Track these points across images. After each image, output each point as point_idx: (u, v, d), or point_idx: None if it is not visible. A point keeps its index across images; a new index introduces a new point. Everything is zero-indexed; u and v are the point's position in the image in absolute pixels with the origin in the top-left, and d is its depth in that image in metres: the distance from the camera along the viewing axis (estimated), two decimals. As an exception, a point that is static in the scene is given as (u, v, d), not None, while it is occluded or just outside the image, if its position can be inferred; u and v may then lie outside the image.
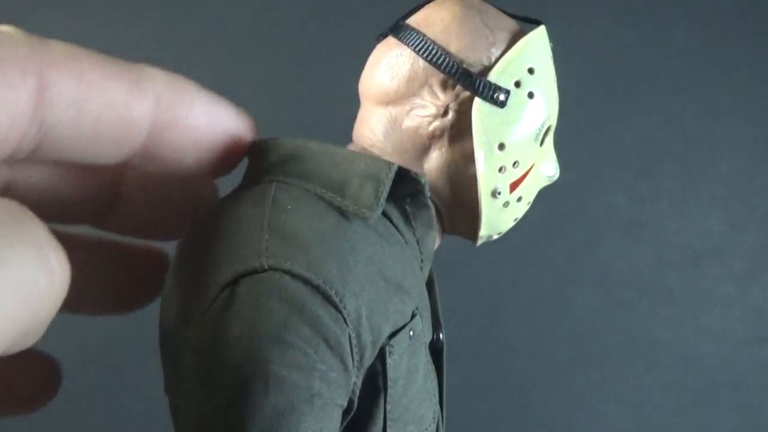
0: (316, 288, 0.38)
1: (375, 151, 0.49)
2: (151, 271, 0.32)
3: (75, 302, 0.26)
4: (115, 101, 0.23)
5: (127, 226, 0.31)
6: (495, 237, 0.54)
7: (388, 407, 0.43)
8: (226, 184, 0.48)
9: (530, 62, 0.49)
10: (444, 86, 0.48)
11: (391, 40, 0.50)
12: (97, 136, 0.23)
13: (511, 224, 0.54)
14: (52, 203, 0.28)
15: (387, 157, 0.49)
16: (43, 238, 0.19)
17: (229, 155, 0.30)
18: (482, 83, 0.47)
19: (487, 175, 0.49)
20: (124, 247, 0.31)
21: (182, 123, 0.26)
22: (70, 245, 0.21)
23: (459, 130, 0.48)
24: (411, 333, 0.44)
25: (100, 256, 0.30)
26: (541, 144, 0.51)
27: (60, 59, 0.21)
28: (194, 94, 0.27)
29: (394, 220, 0.46)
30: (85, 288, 0.27)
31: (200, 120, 0.27)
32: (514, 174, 0.50)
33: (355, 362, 0.40)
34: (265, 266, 0.38)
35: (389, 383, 0.43)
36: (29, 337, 0.19)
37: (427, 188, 0.46)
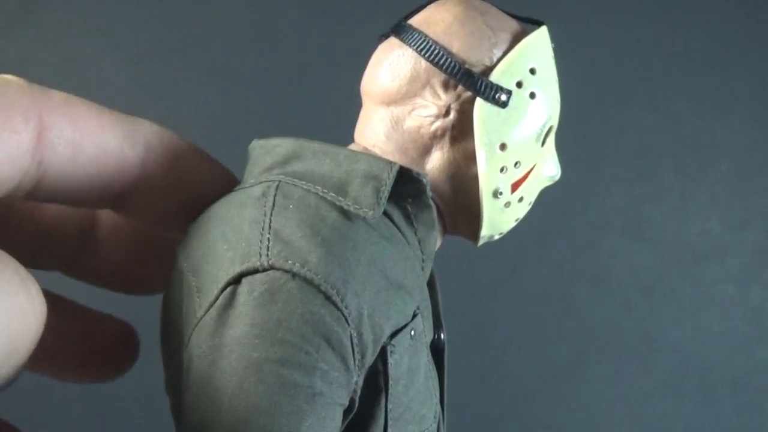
0: (317, 287, 0.38)
1: (377, 151, 0.50)
2: (116, 346, 0.32)
3: (41, 361, 0.27)
4: (109, 146, 0.25)
5: (97, 275, 0.32)
6: (496, 237, 0.54)
7: (390, 406, 0.43)
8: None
9: (532, 62, 0.49)
10: (446, 86, 0.48)
11: (393, 41, 0.50)
12: (91, 178, 0.25)
13: (513, 224, 0.54)
14: (23, 244, 0.28)
15: (389, 157, 0.49)
16: (22, 271, 0.20)
17: (205, 204, 0.31)
18: (484, 83, 0.47)
19: (488, 176, 0.49)
20: (91, 315, 0.31)
21: (170, 175, 0.28)
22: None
23: (461, 131, 0.48)
24: (412, 332, 0.44)
25: (66, 318, 0.30)
26: (543, 144, 0.51)
27: (59, 106, 0.23)
28: (184, 149, 0.28)
29: (396, 220, 0.47)
30: (51, 347, 0.28)
31: (191, 175, 0.29)
32: (516, 174, 0.50)
33: (357, 362, 0.40)
34: (267, 266, 0.39)
35: (390, 383, 0.43)
36: (9, 367, 0.20)
37: (428, 188, 0.46)
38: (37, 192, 0.23)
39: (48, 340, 0.23)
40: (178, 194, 0.28)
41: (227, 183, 0.31)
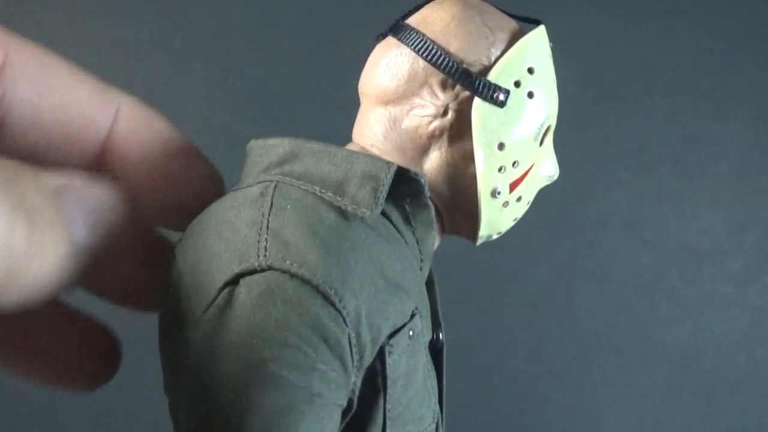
0: (315, 288, 0.38)
1: (374, 150, 0.49)
2: (99, 355, 0.31)
3: (18, 361, 0.26)
4: (78, 98, 0.23)
5: (100, 286, 0.31)
6: (495, 237, 0.54)
7: (388, 407, 0.43)
8: (225, 184, 0.48)
9: (530, 62, 0.49)
10: (444, 86, 0.48)
11: (390, 40, 0.50)
12: (56, 129, 0.23)
13: (511, 224, 0.54)
14: None
15: (387, 157, 0.49)
16: (10, 199, 0.18)
17: (178, 182, 0.30)
18: (482, 83, 0.47)
19: (486, 175, 0.49)
20: (75, 316, 0.30)
21: (140, 139, 0.27)
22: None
23: (459, 130, 0.48)
24: (410, 333, 0.44)
25: (50, 318, 0.29)
26: (541, 144, 0.51)
27: (27, 46, 0.22)
28: (156, 117, 0.27)
29: (394, 220, 0.46)
30: (28, 345, 0.26)
31: (157, 141, 0.28)
32: (514, 174, 0.50)
33: (355, 362, 0.40)
34: (265, 266, 0.38)
35: (389, 383, 0.43)
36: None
37: (426, 188, 0.46)
38: None
39: (26, 337, 0.22)
40: (147, 165, 0.27)
41: (198, 164, 0.30)
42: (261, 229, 0.40)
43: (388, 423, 0.44)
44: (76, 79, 0.23)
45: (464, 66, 0.47)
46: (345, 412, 0.42)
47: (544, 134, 0.51)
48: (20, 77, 0.21)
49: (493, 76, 0.47)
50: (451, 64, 0.47)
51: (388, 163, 0.44)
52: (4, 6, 1.27)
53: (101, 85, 0.24)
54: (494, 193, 0.49)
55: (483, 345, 1.39)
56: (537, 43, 0.50)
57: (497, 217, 0.51)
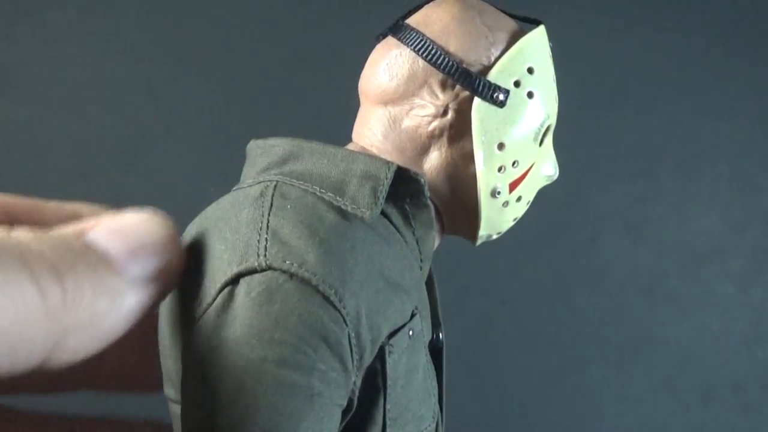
0: (315, 288, 0.38)
1: (374, 150, 0.49)
2: None
3: None
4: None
5: (101, 381, 0.32)
6: (494, 236, 0.54)
7: (388, 407, 0.43)
8: (225, 184, 0.48)
9: (530, 62, 0.49)
10: (443, 86, 0.48)
11: (390, 40, 0.50)
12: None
13: (511, 224, 0.54)
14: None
15: (386, 157, 0.49)
16: (38, 264, 0.19)
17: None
18: (481, 83, 0.47)
19: (486, 175, 0.49)
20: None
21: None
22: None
23: (458, 130, 0.48)
24: (410, 332, 0.44)
25: None
26: (541, 144, 0.51)
27: None
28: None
29: (394, 220, 0.46)
30: None
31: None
32: (514, 174, 0.50)
33: (355, 362, 0.40)
34: (265, 266, 0.38)
35: (389, 383, 0.43)
36: (19, 358, 0.19)
37: (426, 188, 0.46)
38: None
39: None
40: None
41: None
42: (261, 229, 0.40)
43: (388, 423, 0.44)
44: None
45: (464, 66, 0.47)
46: (345, 412, 0.41)
47: (544, 134, 0.51)
48: None
49: (492, 76, 0.47)
50: (450, 64, 0.47)
51: (388, 162, 0.44)
52: (4, 6, 1.27)
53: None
54: (494, 193, 0.49)
55: (483, 345, 1.39)
56: (537, 43, 0.50)
57: (497, 216, 0.51)
